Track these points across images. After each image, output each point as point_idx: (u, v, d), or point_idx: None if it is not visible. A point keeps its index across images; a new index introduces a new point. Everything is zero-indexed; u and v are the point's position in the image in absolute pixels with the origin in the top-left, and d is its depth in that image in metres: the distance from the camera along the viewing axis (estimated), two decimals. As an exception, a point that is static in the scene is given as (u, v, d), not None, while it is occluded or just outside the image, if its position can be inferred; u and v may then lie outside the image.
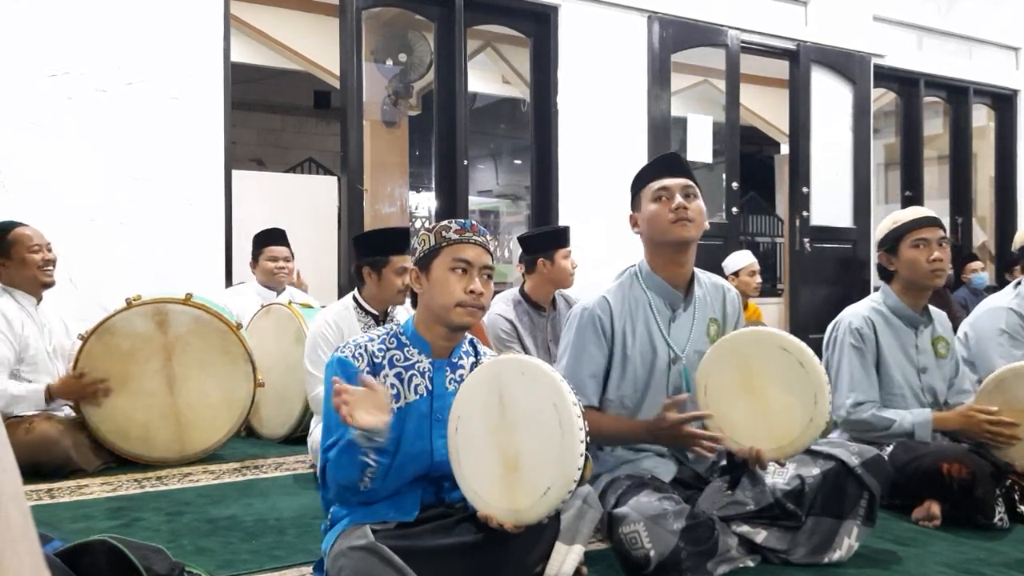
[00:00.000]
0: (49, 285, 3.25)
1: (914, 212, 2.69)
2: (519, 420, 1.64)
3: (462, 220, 1.82)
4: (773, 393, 1.99)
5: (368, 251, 2.96)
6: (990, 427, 2.42)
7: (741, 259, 5.30)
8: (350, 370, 1.74)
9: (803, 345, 1.99)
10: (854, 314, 2.68)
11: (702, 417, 2.03)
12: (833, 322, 2.75)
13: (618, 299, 2.22)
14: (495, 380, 1.69)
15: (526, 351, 3.49)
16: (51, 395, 3.12)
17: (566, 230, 3.71)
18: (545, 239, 3.61)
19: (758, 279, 5.29)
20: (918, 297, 2.67)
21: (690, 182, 2.18)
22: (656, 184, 2.18)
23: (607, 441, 2.20)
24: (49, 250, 3.24)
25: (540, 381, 1.63)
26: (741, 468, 2.14)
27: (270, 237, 4.32)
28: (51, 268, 3.23)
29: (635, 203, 2.27)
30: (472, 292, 1.75)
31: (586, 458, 1.59)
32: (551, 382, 1.62)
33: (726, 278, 5.10)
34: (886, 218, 2.76)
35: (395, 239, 2.97)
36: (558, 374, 1.65)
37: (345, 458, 1.61)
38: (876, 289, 2.79)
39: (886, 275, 2.71)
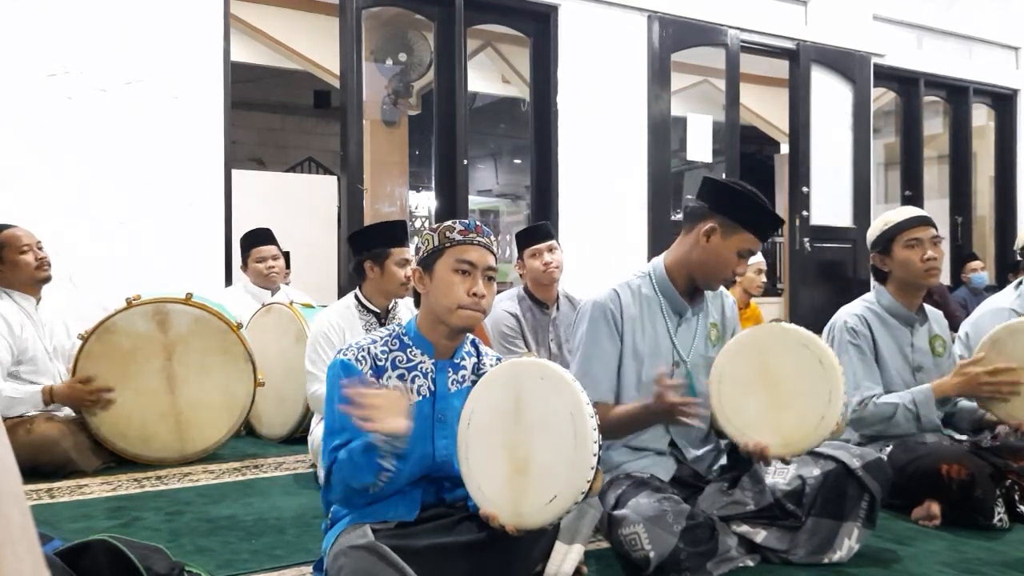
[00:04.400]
0: (46, 280, 3.23)
1: (905, 212, 2.69)
2: (533, 424, 1.63)
3: (466, 221, 1.80)
4: (787, 389, 1.96)
5: (369, 245, 2.97)
6: (989, 378, 2.38)
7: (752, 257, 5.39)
8: (353, 373, 1.73)
9: (825, 344, 1.99)
10: (848, 313, 2.69)
11: (682, 387, 2.02)
12: (828, 324, 2.75)
13: (628, 293, 2.22)
14: (514, 381, 1.67)
15: (528, 348, 3.52)
16: (51, 398, 3.10)
17: (529, 230, 3.73)
18: (518, 240, 3.70)
19: (763, 278, 5.32)
20: (912, 296, 2.68)
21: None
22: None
23: (615, 432, 2.17)
24: (40, 248, 3.21)
25: (559, 388, 1.61)
26: (741, 467, 2.14)
27: (257, 238, 4.24)
28: (46, 264, 3.21)
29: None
30: (474, 294, 1.74)
31: (596, 471, 1.57)
32: (571, 391, 1.60)
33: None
34: (877, 219, 2.75)
35: (395, 231, 2.99)
36: (579, 384, 1.62)
37: (361, 460, 1.58)
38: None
39: (880, 276, 2.72)
